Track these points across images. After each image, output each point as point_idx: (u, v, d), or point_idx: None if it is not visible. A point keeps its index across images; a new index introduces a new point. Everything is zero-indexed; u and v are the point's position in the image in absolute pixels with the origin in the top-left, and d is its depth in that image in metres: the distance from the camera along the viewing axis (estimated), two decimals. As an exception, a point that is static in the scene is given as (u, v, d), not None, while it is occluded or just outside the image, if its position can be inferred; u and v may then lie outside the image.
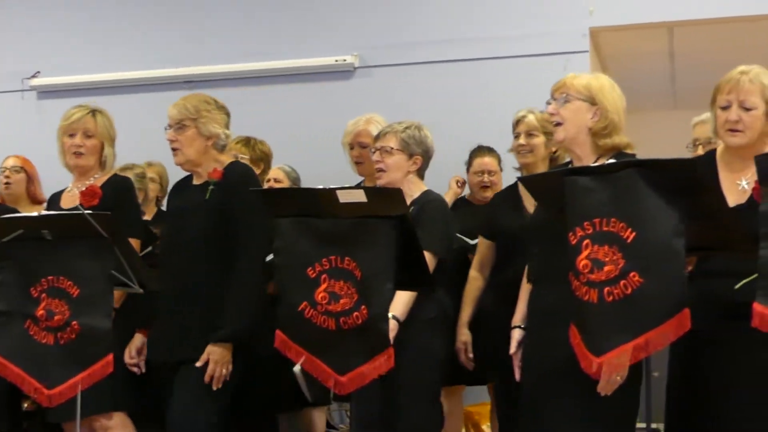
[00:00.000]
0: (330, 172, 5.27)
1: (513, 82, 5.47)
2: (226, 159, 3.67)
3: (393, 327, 3.39)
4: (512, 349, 3.32)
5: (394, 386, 3.47)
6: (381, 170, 3.70)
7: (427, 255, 3.45)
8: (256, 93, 6.05)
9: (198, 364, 3.38)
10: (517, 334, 3.33)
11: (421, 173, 3.76)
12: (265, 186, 5.12)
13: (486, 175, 4.66)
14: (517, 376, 3.29)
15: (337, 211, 2.98)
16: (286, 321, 3.06)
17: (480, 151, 4.79)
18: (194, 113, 3.58)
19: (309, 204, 3.04)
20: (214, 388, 3.39)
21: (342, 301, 2.93)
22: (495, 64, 5.66)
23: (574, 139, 3.13)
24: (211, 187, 3.55)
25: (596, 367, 2.59)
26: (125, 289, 3.27)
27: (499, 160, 4.78)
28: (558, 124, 3.15)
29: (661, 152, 2.79)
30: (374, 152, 3.74)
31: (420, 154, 3.71)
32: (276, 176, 5.24)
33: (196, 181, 3.67)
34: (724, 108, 3.12)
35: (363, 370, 2.95)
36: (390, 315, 3.39)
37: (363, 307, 2.90)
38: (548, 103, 3.21)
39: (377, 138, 3.79)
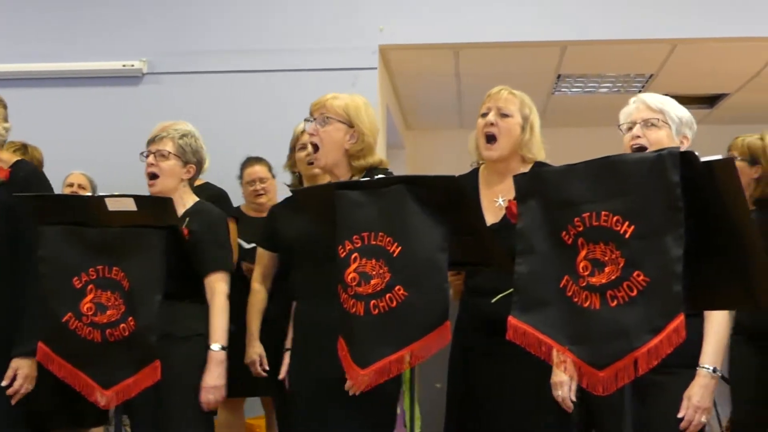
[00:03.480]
0: (116, 178, 5.15)
1: (302, 95, 5.43)
2: (10, 157, 3.40)
3: (222, 358, 3.37)
4: (282, 373, 3.38)
5: (169, 400, 3.37)
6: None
7: (225, 275, 3.45)
8: (39, 95, 5.81)
9: (4, 382, 3.14)
10: (287, 359, 3.40)
11: (191, 183, 3.72)
12: (67, 191, 4.95)
13: (258, 183, 4.81)
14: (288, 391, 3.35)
15: (106, 219, 2.90)
16: (49, 333, 2.94)
17: (249, 161, 4.94)
18: None
19: (77, 212, 2.94)
20: (13, 403, 3.17)
21: (109, 312, 2.86)
22: (285, 77, 5.66)
23: (333, 162, 3.25)
24: None
25: (360, 379, 2.63)
26: None
27: (270, 168, 4.87)
28: (316, 147, 3.24)
29: (447, 170, 2.87)
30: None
31: (194, 163, 3.65)
32: (80, 182, 5.08)
33: None
34: (484, 115, 3.29)
35: (129, 383, 2.87)
36: (218, 346, 3.36)
37: (130, 318, 2.84)
38: (307, 120, 3.30)
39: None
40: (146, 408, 3.37)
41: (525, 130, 3.29)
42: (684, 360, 2.81)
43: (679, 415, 2.90)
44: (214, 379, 3.35)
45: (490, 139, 3.27)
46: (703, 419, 2.88)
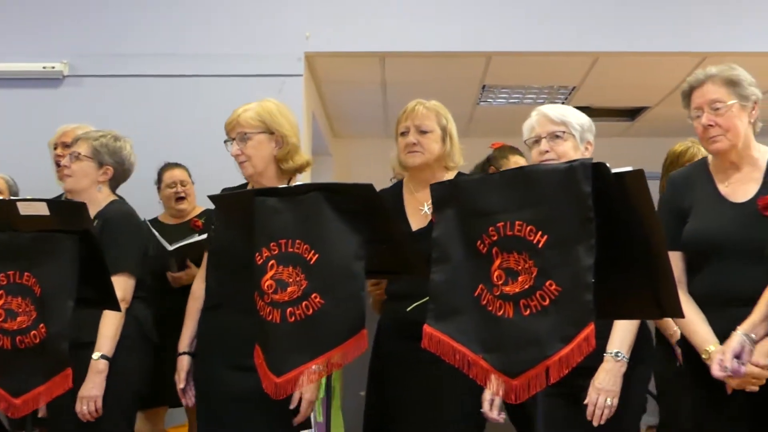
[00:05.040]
0: (35, 182, 5.05)
1: (227, 101, 5.37)
2: None
3: (103, 368, 3.31)
4: (182, 379, 3.33)
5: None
6: (67, 175, 3.59)
7: (121, 278, 3.35)
8: (-48, 96, 5.67)
9: None
10: (185, 362, 3.33)
11: (113, 185, 3.67)
12: None
13: (179, 185, 4.75)
14: (190, 402, 3.31)
15: (18, 223, 2.85)
16: (-43, 340, 2.86)
17: (169, 165, 4.90)
18: None
19: (-14, 216, 2.88)
20: None
21: (19, 318, 2.81)
22: (209, 82, 5.59)
23: (262, 172, 3.25)
24: None
25: (275, 388, 2.61)
26: None
27: (190, 173, 4.83)
28: (244, 161, 3.24)
29: (374, 177, 2.88)
30: (65, 157, 3.63)
31: (111, 164, 3.61)
32: None
33: None
34: (404, 134, 3.35)
35: (39, 392, 2.82)
36: (98, 355, 3.30)
37: (41, 325, 2.79)
38: (226, 142, 3.28)
39: (72, 143, 3.68)
40: (66, 417, 3.31)
41: (445, 141, 3.37)
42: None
43: (585, 402, 2.94)
44: (88, 389, 3.29)
45: (413, 153, 3.35)
46: (608, 401, 2.92)
